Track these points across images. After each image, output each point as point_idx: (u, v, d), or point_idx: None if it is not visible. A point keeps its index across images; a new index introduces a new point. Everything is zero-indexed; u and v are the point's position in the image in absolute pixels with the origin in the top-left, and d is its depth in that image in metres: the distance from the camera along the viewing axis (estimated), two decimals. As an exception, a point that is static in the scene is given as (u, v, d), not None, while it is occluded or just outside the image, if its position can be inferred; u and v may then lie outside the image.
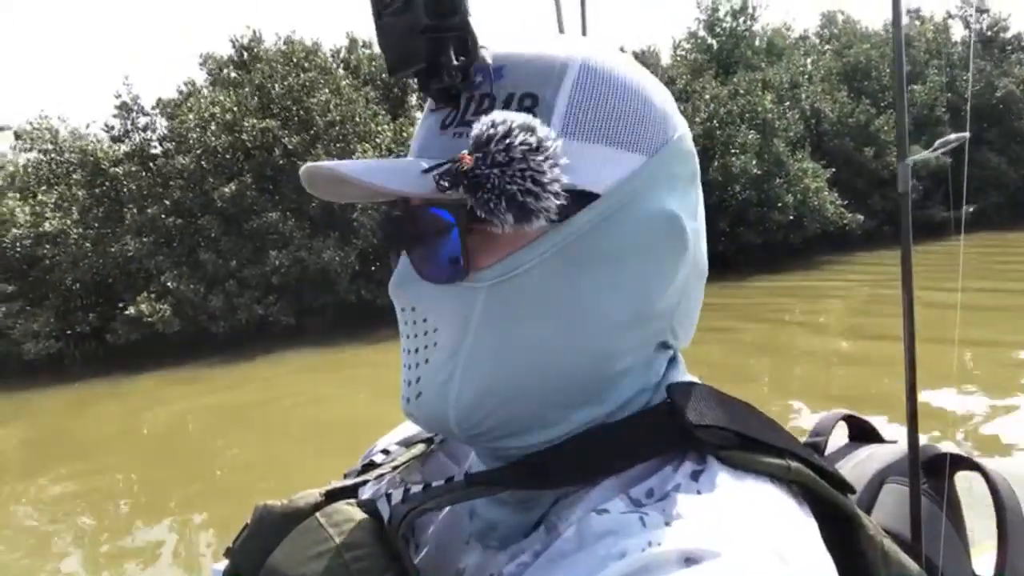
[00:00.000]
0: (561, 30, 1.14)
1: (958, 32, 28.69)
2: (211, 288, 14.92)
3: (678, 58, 24.22)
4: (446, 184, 0.47)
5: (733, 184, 19.17)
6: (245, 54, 18.53)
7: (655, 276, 0.52)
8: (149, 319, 14.04)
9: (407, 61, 0.51)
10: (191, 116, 15.78)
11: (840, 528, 0.54)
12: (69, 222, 15.34)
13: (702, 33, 25.00)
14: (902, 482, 0.90)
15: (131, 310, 14.09)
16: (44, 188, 16.11)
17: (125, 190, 15.70)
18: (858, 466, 0.92)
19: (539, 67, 0.51)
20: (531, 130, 0.47)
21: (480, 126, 0.47)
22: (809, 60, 26.05)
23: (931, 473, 0.92)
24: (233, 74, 18.08)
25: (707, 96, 19.88)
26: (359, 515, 0.53)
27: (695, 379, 0.58)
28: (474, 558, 0.56)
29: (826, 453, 0.95)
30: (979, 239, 20.28)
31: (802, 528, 0.47)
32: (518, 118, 0.47)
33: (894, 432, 1.03)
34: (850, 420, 1.00)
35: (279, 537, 0.53)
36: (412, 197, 0.51)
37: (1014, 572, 0.83)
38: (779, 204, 19.43)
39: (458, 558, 0.57)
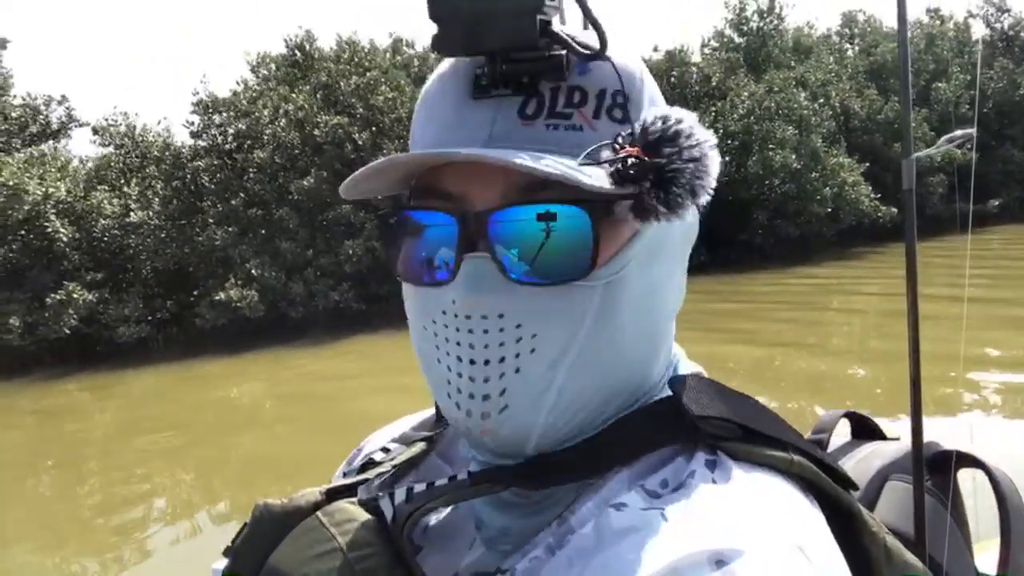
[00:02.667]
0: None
1: (980, 31, 29.40)
2: (291, 276, 15.78)
3: (706, 56, 24.90)
4: (631, 175, 0.46)
5: (772, 178, 19.90)
6: (298, 53, 19.32)
7: (685, 263, 0.56)
8: (237, 304, 14.88)
9: (512, 41, 0.47)
10: (266, 113, 16.60)
11: (841, 523, 0.53)
12: (151, 213, 16.24)
13: (729, 32, 25.70)
14: (905, 479, 0.88)
15: (220, 295, 14.94)
16: (122, 182, 16.98)
17: (204, 183, 16.57)
18: (860, 463, 0.91)
19: (620, 65, 0.50)
20: (695, 128, 0.47)
21: (656, 121, 0.47)
22: (832, 58, 26.70)
23: (934, 470, 0.91)
24: (285, 72, 18.85)
25: (744, 93, 20.59)
26: (361, 514, 0.52)
27: (699, 369, 0.58)
28: (479, 557, 0.55)
29: (828, 450, 0.94)
30: (1003, 232, 20.94)
31: (816, 522, 0.48)
32: (687, 116, 0.47)
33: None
34: (853, 417, 0.99)
35: (279, 536, 0.53)
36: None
37: (1017, 569, 0.82)
38: (817, 197, 20.16)
39: (462, 557, 0.56)
